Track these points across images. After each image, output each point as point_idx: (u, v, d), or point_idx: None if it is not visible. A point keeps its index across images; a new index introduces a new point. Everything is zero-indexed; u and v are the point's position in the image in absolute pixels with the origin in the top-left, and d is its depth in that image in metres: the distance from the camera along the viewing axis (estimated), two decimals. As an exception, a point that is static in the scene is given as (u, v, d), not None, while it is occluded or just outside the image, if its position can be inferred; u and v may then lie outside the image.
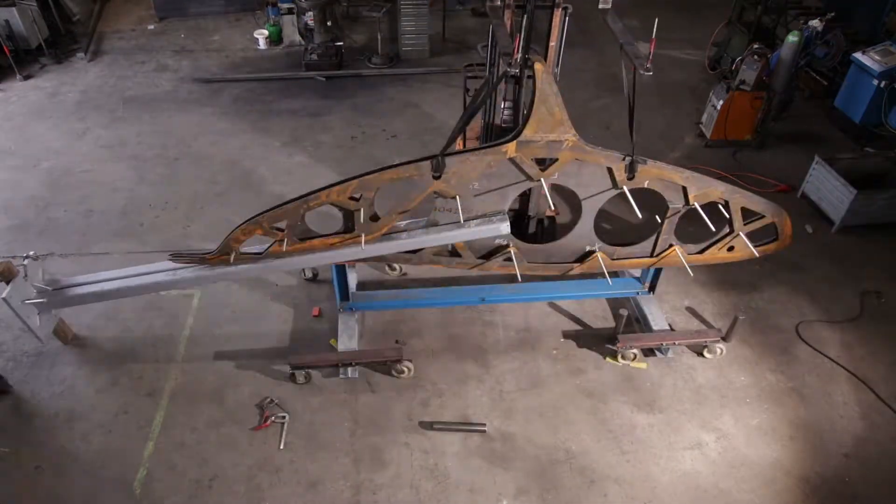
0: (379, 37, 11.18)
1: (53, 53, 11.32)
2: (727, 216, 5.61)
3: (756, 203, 5.58)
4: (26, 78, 10.83)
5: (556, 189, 5.45)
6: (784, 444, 5.62)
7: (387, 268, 7.11)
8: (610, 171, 5.17)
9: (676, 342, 6.20)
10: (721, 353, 6.25)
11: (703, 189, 5.36)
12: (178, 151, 9.16)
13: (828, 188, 7.81)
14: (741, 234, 5.69)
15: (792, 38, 8.45)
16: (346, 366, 6.01)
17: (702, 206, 5.40)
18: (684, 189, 5.34)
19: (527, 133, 4.87)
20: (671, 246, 5.80)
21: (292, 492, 5.21)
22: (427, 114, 10.14)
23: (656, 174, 5.20)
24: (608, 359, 6.25)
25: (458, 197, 5.19)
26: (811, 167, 8.04)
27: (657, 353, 6.30)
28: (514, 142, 4.90)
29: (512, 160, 5.03)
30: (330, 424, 5.68)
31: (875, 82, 8.62)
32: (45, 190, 8.38)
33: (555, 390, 6.01)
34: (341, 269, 6.09)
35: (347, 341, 6.15)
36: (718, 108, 8.96)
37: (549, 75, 4.76)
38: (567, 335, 6.53)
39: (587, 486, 5.28)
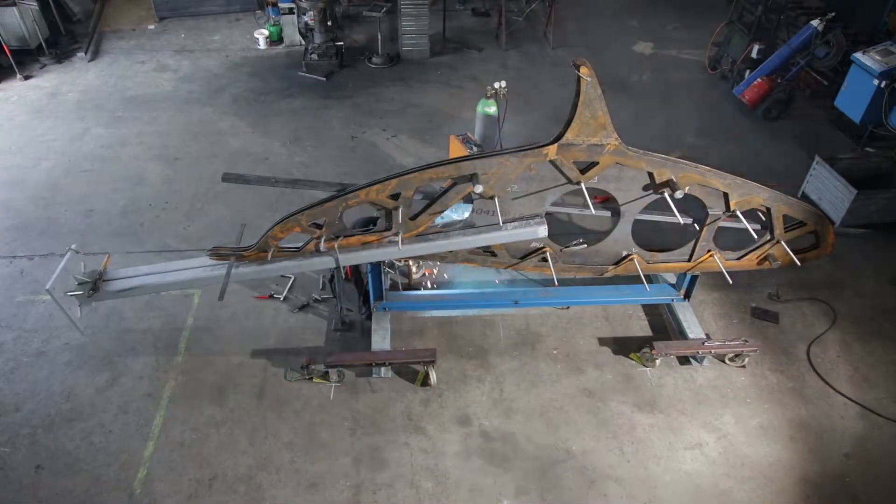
0: (379, 37, 11.18)
1: (54, 53, 11.32)
2: (768, 223, 5.59)
3: (799, 210, 5.56)
4: (26, 78, 10.82)
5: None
6: (784, 444, 5.62)
7: (413, 266, 7.08)
8: (651, 175, 5.15)
9: (713, 352, 6.14)
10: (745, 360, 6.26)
11: (745, 196, 5.31)
12: (178, 151, 9.16)
13: (828, 188, 7.82)
14: (782, 241, 5.67)
15: None
16: (380, 365, 6.02)
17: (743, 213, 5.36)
18: (725, 195, 5.30)
19: (568, 136, 4.86)
20: (709, 252, 5.77)
21: (292, 492, 5.21)
22: (427, 114, 10.14)
23: (698, 179, 5.17)
24: (632, 356, 6.28)
25: (496, 198, 5.17)
26: (811, 167, 8.04)
27: (692, 361, 6.27)
28: (556, 144, 4.89)
29: (552, 163, 5.02)
30: (330, 424, 5.68)
31: (875, 82, 8.61)
32: (45, 190, 8.37)
33: (555, 390, 6.01)
34: (377, 269, 6.09)
35: (380, 341, 6.16)
36: None
37: (594, 78, 4.73)
38: (568, 335, 6.53)
39: (587, 486, 5.28)
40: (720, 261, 5.77)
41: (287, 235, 5.25)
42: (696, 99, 10.53)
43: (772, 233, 5.67)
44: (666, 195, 5.16)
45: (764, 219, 5.64)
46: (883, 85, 8.55)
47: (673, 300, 6.59)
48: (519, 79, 10.77)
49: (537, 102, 10.24)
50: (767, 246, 5.78)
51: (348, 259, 5.44)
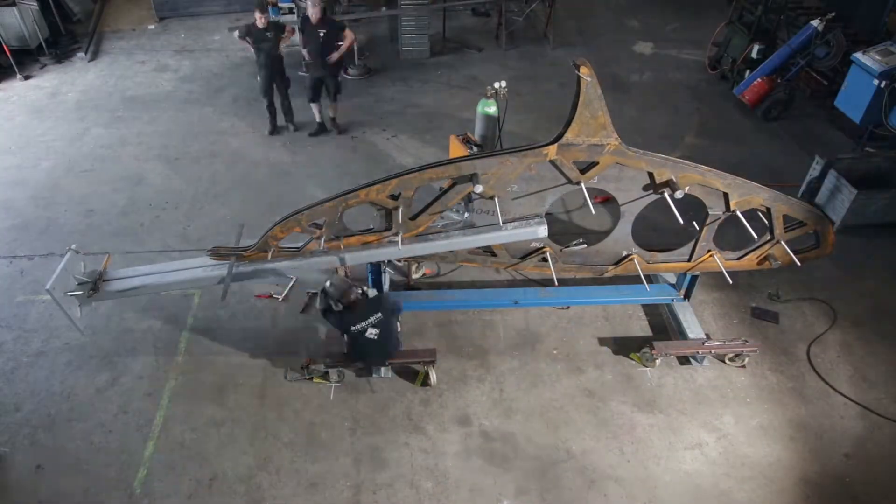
0: (355, 46, 10.83)
1: (54, 53, 11.33)
2: (769, 223, 5.58)
3: (799, 210, 5.55)
4: (26, 78, 10.83)
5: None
6: (784, 444, 5.62)
7: (413, 267, 7.07)
8: (651, 175, 5.15)
9: (713, 352, 6.13)
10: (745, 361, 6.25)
11: (745, 196, 5.31)
12: (178, 151, 9.17)
13: (828, 188, 7.81)
14: (782, 241, 5.66)
15: None
16: (380, 365, 6.01)
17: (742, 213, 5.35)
18: (725, 195, 5.30)
19: (568, 136, 4.85)
20: (709, 252, 5.77)
21: (292, 492, 5.21)
22: (427, 113, 10.15)
23: (698, 180, 5.16)
24: (632, 356, 6.29)
25: (496, 198, 5.16)
26: (811, 167, 8.04)
27: (692, 361, 6.26)
28: (556, 144, 4.89)
29: (552, 163, 5.02)
30: (330, 424, 5.68)
31: (875, 82, 8.60)
32: (45, 190, 8.38)
33: (555, 390, 6.01)
34: (377, 269, 6.09)
35: None
36: None
37: (594, 78, 4.72)
38: (568, 335, 6.53)
39: (587, 487, 5.29)
40: (720, 261, 5.77)
41: (287, 235, 5.26)
42: (696, 99, 10.53)
43: (772, 233, 5.67)
44: (666, 195, 5.16)
45: (764, 219, 5.64)
46: (883, 85, 8.55)
47: (673, 300, 6.58)
48: (519, 79, 10.77)
49: (537, 102, 10.25)
50: (767, 246, 5.78)
51: (348, 259, 5.44)
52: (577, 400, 5.93)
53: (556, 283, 5.70)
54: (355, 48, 10.94)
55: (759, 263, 5.94)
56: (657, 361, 6.16)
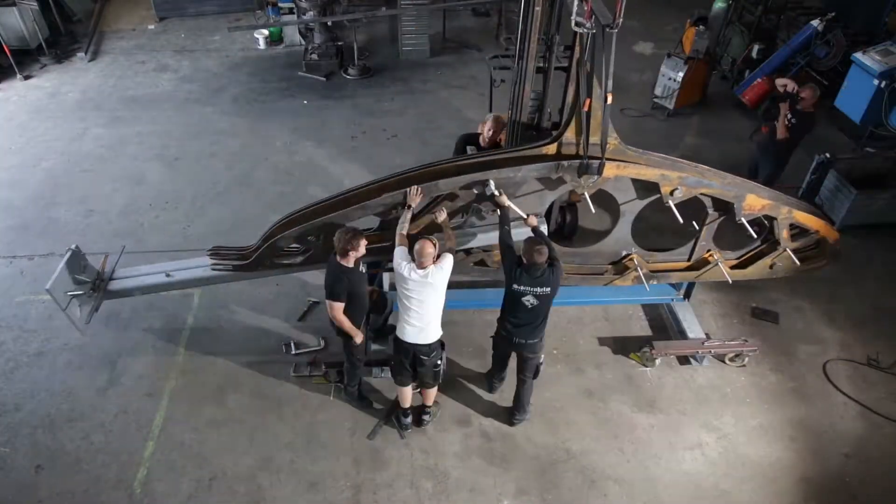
0: (355, 46, 10.88)
1: (54, 53, 11.32)
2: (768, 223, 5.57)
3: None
4: (26, 78, 10.82)
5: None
6: (785, 444, 5.62)
7: None
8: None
9: (713, 352, 6.14)
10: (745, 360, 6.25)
11: (745, 195, 5.28)
12: (178, 151, 9.16)
13: (828, 188, 7.81)
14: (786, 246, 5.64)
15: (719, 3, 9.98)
16: (380, 365, 6.00)
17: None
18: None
19: (568, 135, 4.84)
20: (708, 251, 5.75)
21: (292, 492, 5.21)
22: (427, 113, 10.15)
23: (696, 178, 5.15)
24: (632, 356, 6.29)
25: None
26: (811, 167, 8.04)
27: (692, 361, 6.26)
28: (555, 143, 4.88)
29: None
30: (330, 424, 5.68)
31: (875, 82, 8.59)
32: (45, 190, 8.37)
33: (555, 390, 6.01)
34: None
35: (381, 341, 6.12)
36: (678, 79, 9.68)
37: (594, 78, 4.71)
38: (568, 335, 6.53)
39: (587, 487, 5.28)
40: (724, 267, 5.72)
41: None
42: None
43: (772, 232, 5.67)
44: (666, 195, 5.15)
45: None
46: (883, 85, 8.55)
47: (673, 300, 6.58)
48: (519, 79, 10.72)
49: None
50: (769, 250, 5.75)
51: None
52: (577, 400, 5.93)
53: None
54: (355, 48, 10.95)
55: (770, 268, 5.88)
56: (657, 361, 6.16)
